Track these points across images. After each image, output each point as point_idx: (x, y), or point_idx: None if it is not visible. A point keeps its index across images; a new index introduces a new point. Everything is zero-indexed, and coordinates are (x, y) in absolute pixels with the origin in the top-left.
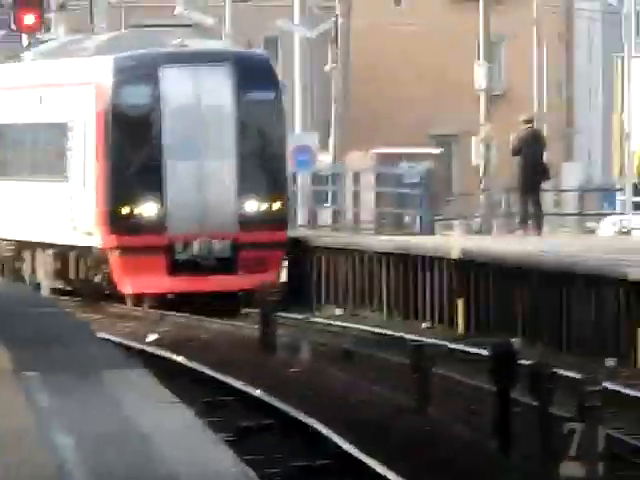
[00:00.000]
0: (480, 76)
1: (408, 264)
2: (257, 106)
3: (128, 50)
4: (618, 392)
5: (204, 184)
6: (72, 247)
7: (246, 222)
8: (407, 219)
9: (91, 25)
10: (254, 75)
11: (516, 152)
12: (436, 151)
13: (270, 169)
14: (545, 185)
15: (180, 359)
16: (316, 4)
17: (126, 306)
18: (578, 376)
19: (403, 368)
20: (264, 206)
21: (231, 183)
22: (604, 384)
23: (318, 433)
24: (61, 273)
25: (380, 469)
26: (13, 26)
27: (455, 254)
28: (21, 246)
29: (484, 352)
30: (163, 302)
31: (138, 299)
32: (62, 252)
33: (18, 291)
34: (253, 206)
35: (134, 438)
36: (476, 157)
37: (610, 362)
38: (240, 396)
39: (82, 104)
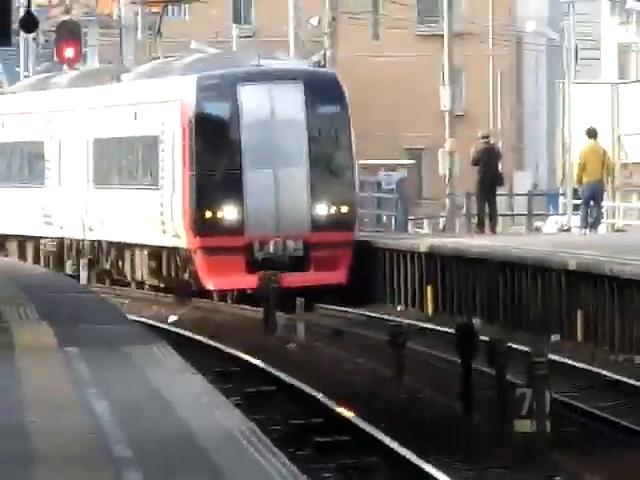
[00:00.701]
0: (445, 98)
1: (386, 257)
2: (326, 118)
3: (210, 70)
4: (561, 362)
5: (279, 190)
6: (163, 248)
7: (317, 224)
8: (384, 219)
9: (120, 57)
10: (323, 90)
11: (475, 162)
12: (409, 162)
13: (338, 176)
14: (499, 190)
15: (197, 337)
16: (308, 39)
17: (149, 291)
18: (528, 349)
19: (383, 344)
20: (333, 209)
21: (303, 189)
22: (549, 356)
23: (312, 397)
24: (155, 271)
25: (363, 425)
26: (56, 58)
27: (424, 248)
28: (122, 247)
29: (450, 330)
30: (243, 297)
31: (222, 295)
32: (155, 252)
33: (59, 280)
34: (323, 209)
35: (158, 402)
36: (442, 167)
37: (555, 338)
38: (246, 367)
39: (170, 119)
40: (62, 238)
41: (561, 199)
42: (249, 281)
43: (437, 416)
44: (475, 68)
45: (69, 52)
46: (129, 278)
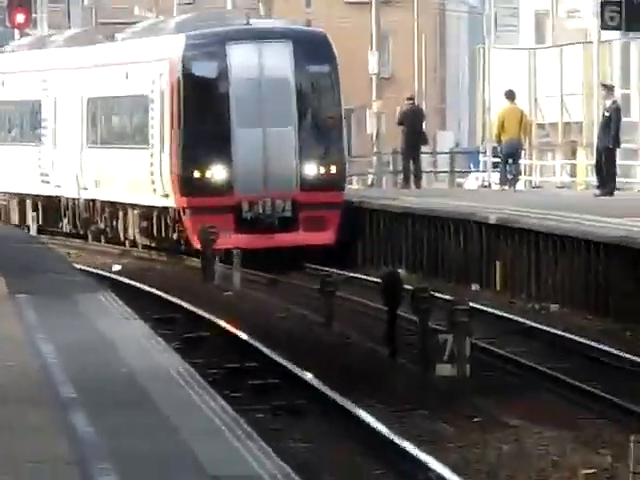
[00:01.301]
0: (373, 63)
1: None
2: (315, 78)
3: (201, 29)
4: (481, 310)
5: (267, 150)
6: (153, 208)
7: (305, 184)
8: None
9: (68, 24)
10: (312, 50)
11: (400, 122)
12: None
13: (327, 136)
14: (423, 149)
15: (138, 284)
16: (245, 6)
17: (98, 243)
18: (449, 298)
19: (314, 293)
20: (322, 169)
21: (291, 148)
22: (470, 304)
23: (246, 341)
24: (145, 231)
25: (296, 370)
26: (7, 24)
27: (356, 203)
28: (115, 206)
29: (376, 279)
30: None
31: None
32: (145, 212)
33: (11, 232)
34: (312, 169)
35: (102, 346)
36: (370, 127)
37: (475, 287)
38: (184, 313)
39: (159, 78)
40: (59, 197)
41: (481, 157)
42: (237, 241)
43: (364, 360)
44: (401, 34)
45: (20, 18)
46: (122, 237)
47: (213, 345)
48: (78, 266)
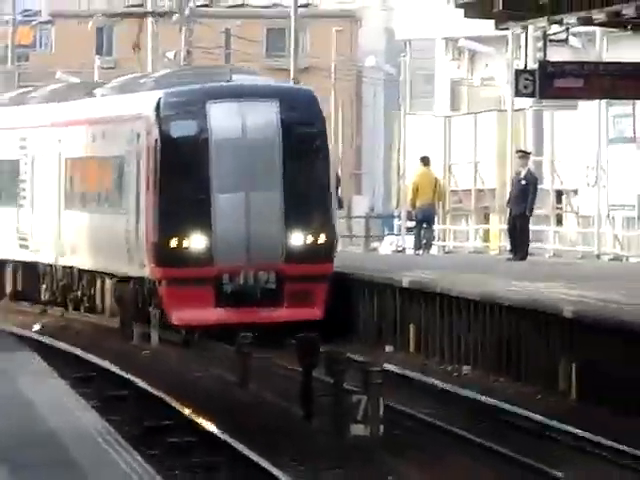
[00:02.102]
0: None
1: None
2: (302, 139)
3: (181, 85)
4: (394, 372)
5: (250, 216)
6: (130, 278)
7: (291, 254)
8: None
9: None
10: (298, 109)
11: None
12: None
13: (315, 202)
14: (339, 213)
15: (59, 344)
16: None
17: (16, 301)
18: (364, 359)
19: (231, 353)
20: (310, 239)
21: (276, 215)
22: (384, 365)
23: (163, 400)
24: (122, 302)
25: (210, 428)
26: None
27: None
28: (93, 275)
29: (293, 342)
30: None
31: (189, 329)
32: (121, 282)
33: None
34: (299, 239)
35: (21, 404)
36: None
37: (389, 349)
38: (103, 372)
39: (135, 138)
40: (37, 263)
41: (396, 221)
42: (217, 316)
43: (279, 420)
44: (319, 100)
45: None
46: (100, 308)
47: (131, 404)
48: None
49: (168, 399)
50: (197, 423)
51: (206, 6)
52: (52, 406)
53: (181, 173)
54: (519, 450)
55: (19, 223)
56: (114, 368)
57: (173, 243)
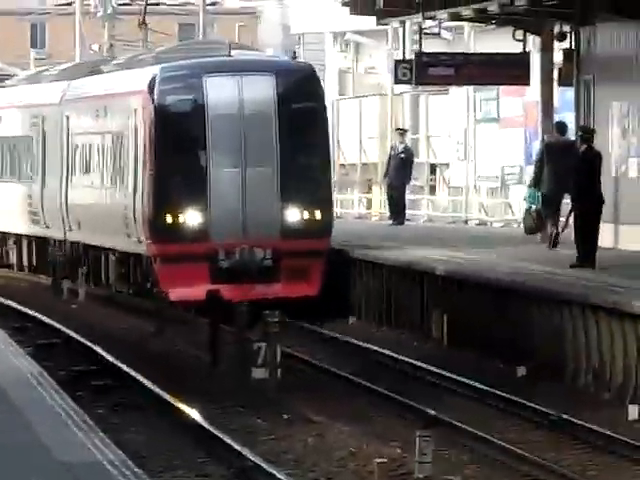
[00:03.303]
0: None
1: None
2: (299, 115)
3: (180, 60)
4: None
5: (246, 192)
6: (129, 254)
7: (288, 230)
8: None
9: None
10: (297, 84)
11: None
12: None
13: (312, 178)
14: None
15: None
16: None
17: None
18: (266, 312)
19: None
20: (306, 215)
21: (273, 191)
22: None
23: (89, 348)
24: (122, 278)
25: (131, 372)
26: None
27: None
28: (98, 250)
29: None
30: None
31: (185, 306)
32: (122, 258)
33: None
34: (295, 215)
35: None
36: None
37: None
38: (38, 323)
39: (133, 113)
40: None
41: None
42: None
43: (191, 365)
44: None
45: None
46: (104, 282)
47: (61, 350)
48: None
49: (93, 346)
50: (118, 368)
51: (127, 4)
52: None
53: (177, 148)
54: (392, 388)
55: (31, 199)
56: (46, 319)
57: (169, 219)
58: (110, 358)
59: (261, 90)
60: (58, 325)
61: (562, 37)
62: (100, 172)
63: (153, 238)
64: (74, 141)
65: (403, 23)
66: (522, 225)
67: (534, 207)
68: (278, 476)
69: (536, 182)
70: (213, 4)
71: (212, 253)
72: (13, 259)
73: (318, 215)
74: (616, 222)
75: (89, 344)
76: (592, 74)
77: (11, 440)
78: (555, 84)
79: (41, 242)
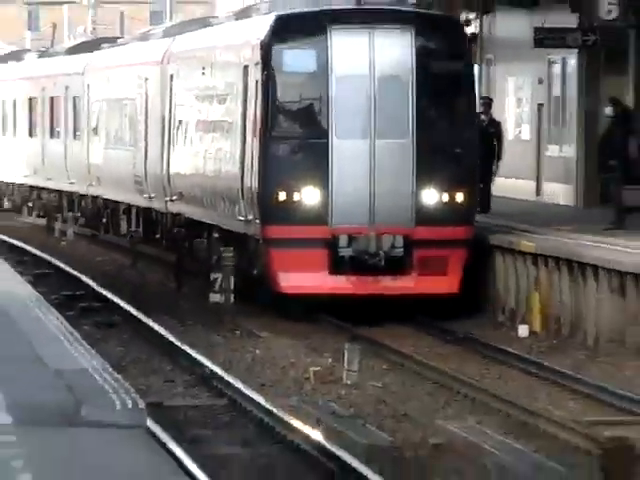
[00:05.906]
0: None
1: None
2: (441, 77)
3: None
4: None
5: (376, 168)
6: (233, 233)
7: (423, 215)
8: None
9: None
10: (439, 39)
11: None
12: None
13: (455, 154)
14: None
15: (2, 237)
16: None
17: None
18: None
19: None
20: (445, 197)
21: (407, 168)
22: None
23: (77, 277)
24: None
25: (110, 296)
26: None
27: None
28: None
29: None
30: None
31: (297, 298)
32: (225, 238)
33: None
34: (432, 197)
35: None
36: None
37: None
38: (34, 257)
39: (242, 71)
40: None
41: None
42: (331, 284)
43: (160, 291)
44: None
45: None
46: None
47: (53, 279)
48: None
49: (80, 275)
50: (100, 293)
51: None
52: None
53: (293, 114)
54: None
55: (135, 168)
56: (41, 253)
57: (282, 196)
58: (94, 285)
59: (396, 47)
60: (50, 257)
61: (468, 23)
62: (204, 137)
63: (263, 218)
64: (176, 102)
65: None
66: None
67: None
68: (231, 382)
69: None
70: None
71: (332, 239)
72: (124, 229)
73: (459, 198)
74: (508, 177)
75: (76, 274)
76: (493, 54)
77: (12, 352)
78: None
79: (147, 212)
